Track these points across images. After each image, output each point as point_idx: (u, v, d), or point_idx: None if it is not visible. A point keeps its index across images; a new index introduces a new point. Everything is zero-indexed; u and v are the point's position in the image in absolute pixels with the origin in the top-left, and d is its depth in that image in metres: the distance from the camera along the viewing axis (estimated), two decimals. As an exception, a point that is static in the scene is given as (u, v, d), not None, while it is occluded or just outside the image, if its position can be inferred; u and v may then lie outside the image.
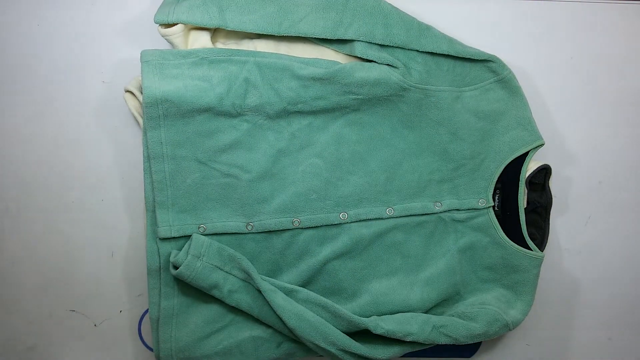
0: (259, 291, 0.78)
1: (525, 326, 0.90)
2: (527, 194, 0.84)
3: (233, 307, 0.79)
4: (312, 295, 0.79)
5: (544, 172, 0.84)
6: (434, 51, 0.82)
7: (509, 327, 0.80)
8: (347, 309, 0.80)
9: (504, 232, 0.83)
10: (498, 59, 0.83)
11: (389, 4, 0.83)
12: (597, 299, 0.92)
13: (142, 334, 0.89)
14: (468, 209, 0.84)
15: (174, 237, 0.79)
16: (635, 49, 0.91)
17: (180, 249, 0.78)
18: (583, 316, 0.92)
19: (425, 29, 0.83)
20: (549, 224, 0.84)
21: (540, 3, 0.90)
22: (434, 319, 0.80)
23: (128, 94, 0.82)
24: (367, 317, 0.80)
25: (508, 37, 0.90)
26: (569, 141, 0.90)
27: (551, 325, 0.91)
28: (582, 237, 0.91)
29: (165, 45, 0.83)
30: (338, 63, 0.80)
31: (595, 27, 0.90)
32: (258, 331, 0.80)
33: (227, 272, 0.78)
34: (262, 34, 0.82)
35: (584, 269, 0.91)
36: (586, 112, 0.91)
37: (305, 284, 0.82)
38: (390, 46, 0.82)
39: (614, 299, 0.92)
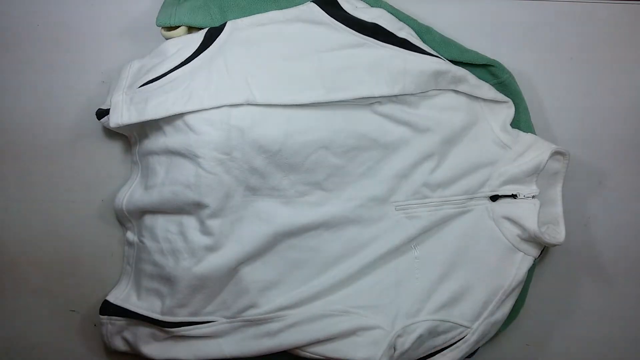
0: None
1: (525, 326, 0.90)
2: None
3: None
4: None
5: None
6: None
7: None
8: None
9: None
10: (498, 62, 0.83)
11: (389, 4, 0.83)
12: (597, 299, 0.91)
13: (142, 334, 0.89)
14: None
15: None
16: (635, 49, 0.90)
17: None
18: (583, 316, 0.91)
19: (425, 32, 0.83)
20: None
21: (540, 3, 0.90)
22: None
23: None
24: None
25: (508, 37, 0.90)
26: (569, 141, 0.90)
27: (551, 325, 0.91)
28: (582, 237, 0.91)
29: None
30: None
31: (595, 27, 0.90)
32: None
33: None
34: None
35: (584, 269, 0.91)
36: (586, 112, 0.90)
37: None
38: None
39: (614, 299, 0.91)
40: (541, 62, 0.90)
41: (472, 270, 0.82)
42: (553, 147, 0.80)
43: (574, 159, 0.90)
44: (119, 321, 0.81)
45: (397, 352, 0.78)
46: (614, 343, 0.92)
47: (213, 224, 0.78)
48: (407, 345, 0.78)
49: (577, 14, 0.90)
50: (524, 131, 0.84)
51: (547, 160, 0.80)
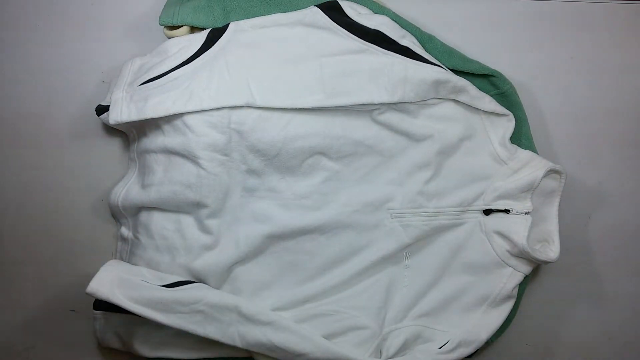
0: None
1: (525, 326, 0.90)
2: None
3: None
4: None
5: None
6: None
7: None
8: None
9: None
10: (499, 73, 0.83)
11: (392, 11, 0.82)
12: (597, 299, 0.92)
13: (143, 334, 0.89)
14: None
15: None
16: (635, 49, 0.91)
17: None
18: (583, 316, 0.92)
19: (427, 40, 0.82)
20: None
21: (540, 3, 0.90)
22: None
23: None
24: None
25: (508, 37, 0.90)
26: (569, 141, 0.90)
27: (551, 325, 0.92)
28: (582, 237, 0.91)
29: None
30: None
31: (595, 27, 0.90)
32: None
33: None
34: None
35: (584, 269, 0.92)
36: (586, 112, 0.91)
37: None
38: None
39: (614, 299, 0.92)
40: (541, 62, 0.90)
41: (460, 282, 0.83)
42: (549, 164, 0.80)
43: (574, 159, 0.90)
44: (113, 317, 0.81)
45: (384, 357, 0.79)
46: (613, 342, 0.92)
47: (211, 223, 0.78)
48: (392, 350, 0.79)
49: (576, 14, 0.90)
50: (524, 143, 0.84)
51: (542, 178, 0.80)
